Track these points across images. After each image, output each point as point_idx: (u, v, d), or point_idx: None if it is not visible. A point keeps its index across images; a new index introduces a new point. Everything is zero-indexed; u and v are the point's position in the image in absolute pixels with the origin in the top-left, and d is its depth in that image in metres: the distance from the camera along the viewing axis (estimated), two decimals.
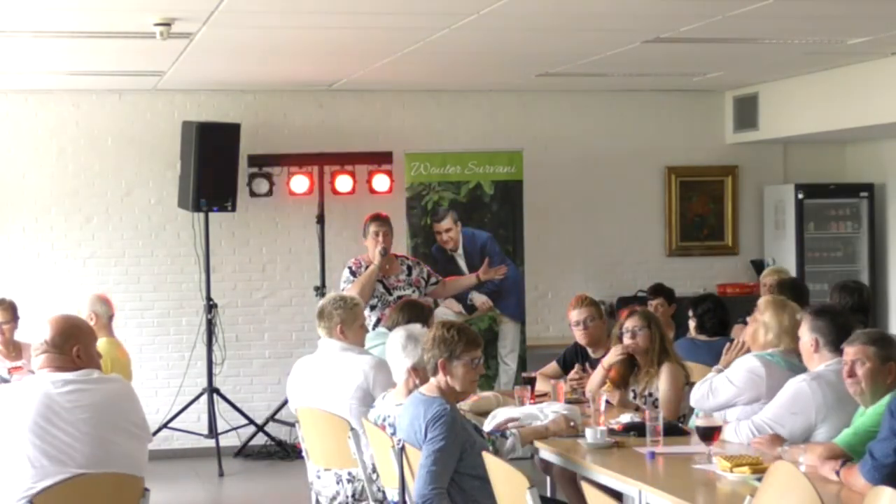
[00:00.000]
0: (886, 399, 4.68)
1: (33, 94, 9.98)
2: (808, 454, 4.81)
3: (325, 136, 10.42)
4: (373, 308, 8.38)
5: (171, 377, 10.22)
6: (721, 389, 5.78)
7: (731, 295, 10.55)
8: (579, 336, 7.19)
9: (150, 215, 10.22)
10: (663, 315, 8.48)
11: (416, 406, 5.20)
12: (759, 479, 4.49)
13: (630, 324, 6.58)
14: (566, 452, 5.53)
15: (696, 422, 5.47)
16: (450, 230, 10.08)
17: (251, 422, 10.03)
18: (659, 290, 9.00)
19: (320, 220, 10.27)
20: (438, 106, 10.67)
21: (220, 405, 9.97)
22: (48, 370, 4.64)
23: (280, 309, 10.45)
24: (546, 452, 5.73)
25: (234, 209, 9.82)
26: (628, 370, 6.65)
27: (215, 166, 9.59)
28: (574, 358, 7.30)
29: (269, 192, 10.14)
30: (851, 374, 4.89)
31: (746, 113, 10.82)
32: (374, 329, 8.03)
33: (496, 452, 5.26)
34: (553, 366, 7.42)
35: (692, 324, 7.80)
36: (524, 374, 7.33)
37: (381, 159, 10.27)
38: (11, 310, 7.80)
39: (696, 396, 5.88)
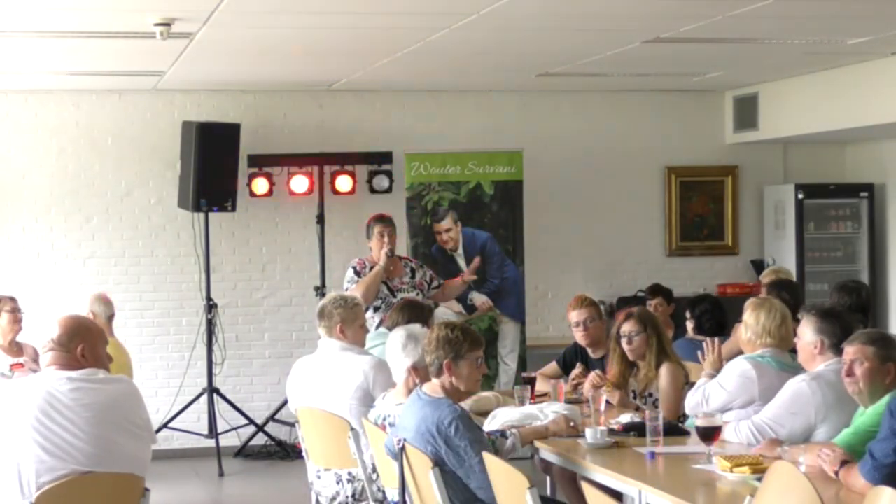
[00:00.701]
0: (886, 399, 4.68)
1: (33, 94, 9.98)
2: (808, 454, 4.81)
3: (325, 136, 10.42)
4: (376, 309, 8.36)
5: (171, 377, 10.22)
6: (714, 396, 5.76)
7: (731, 295, 10.55)
8: (579, 337, 7.19)
9: (150, 215, 10.23)
10: (662, 315, 8.48)
11: (423, 408, 5.19)
12: (759, 479, 4.49)
13: (626, 329, 6.58)
14: (566, 452, 5.53)
15: (695, 422, 5.47)
16: (450, 230, 10.09)
17: (251, 422, 10.03)
18: (657, 290, 9.00)
19: (320, 220, 10.27)
20: (438, 106, 10.67)
21: (220, 405, 9.97)
22: (54, 368, 4.65)
23: (280, 309, 10.45)
24: (546, 452, 5.73)
25: (234, 209, 9.82)
26: (628, 370, 6.65)
27: (215, 166, 9.59)
28: (574, 358, 7.30)
29: (269, 192, 10.14)
30: (850, 373, 4.90)
31: (746, 113, 10.82)
32: (376, 329, 8.04)
33: (496, 452, 5.26)
34: (553, 366, 7.42)
35: (690, 325, 7.81)
36: (524, 374, 7.33)
37: (381, 159, 10.26)
38: (14, 301, 7.82)
39: (691, 405, 5.87)
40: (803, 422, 5.24)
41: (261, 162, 10.10)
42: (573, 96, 10.83)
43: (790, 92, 10.25)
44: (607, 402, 6.26)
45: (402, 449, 5.26)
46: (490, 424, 5.86)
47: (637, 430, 5.67)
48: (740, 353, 6.09)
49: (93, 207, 10.14)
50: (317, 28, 7.40)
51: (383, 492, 5.76)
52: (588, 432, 5.55)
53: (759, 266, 10.87)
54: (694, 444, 5.42)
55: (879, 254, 11.02)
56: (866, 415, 4.85)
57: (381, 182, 10.22)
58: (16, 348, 7.76)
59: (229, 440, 9.99)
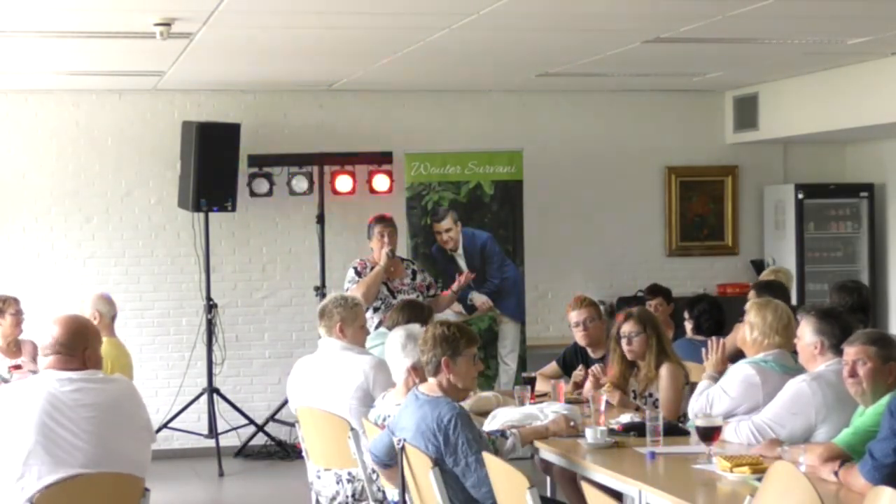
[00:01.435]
0: (886, 399, 4.68)
1: (33, 94, 9.98)
2: (808, 454, 4.81)
3: (325, 136, 10.42)
4: (376, 310, 8.36)
5: (171, 377, 10.22)
6: (718, 402, 5.74)
7: (731, 295, 10.55)
8: (579, 337, 7.20)
9: (150, 215, 10.23)
10: (662, 315, 8.47)
11: (421, 406, 5.19)
12: (759, 479, 4.49)
13: (625, 329, 6.59)
14: (566, 452, 5.53)
15: (696, 422, 5.47)
16: (450, 230, 10.09)
17: (251, 422, 10.03)
18: (657, 290, 9.00)
19: (320, 220, 10.27)
20: (438, 106, 10.67)
21: (220, 405, 9.97)
22: (54, 369, 4.64)
23: (280, 309, 10.45)
24: (546, 452, 5.73)
25: (234, 209, 9.82)
26: (628, 370, 6.65)
27: (215, 166, 9.59)
28: (574, 358, 7.30)
29: (269, 192, 10.14)
30: (853, 374, 4.89)
31: (746, 113, 10.82)
32: (376, 329, 8.04)
33: (496, 452, 5.27)
34: (553, 366, 7.42)
35: (688, 325, 7.80)
36: (524, 374, 7.33)
37: (381, 159, 10.26)
38: (18, 303, 7.82)
39: (695, 411, 5.84)
40: (803, 422, 5.24)
41: (261, 162, 10.10)
42: (573, 96, 10.83)
43: (790, 92, 10.25)
44: (607, 402, 6.26)
45: (403, 449, 5.26)
46: (490, 424, 5.86)
47: (637, 430, 5.66)
48: (739, 352, 6.08)
49: (93, 207, 10.13)
50: (317, 28, 7.40)
51: (383, 492, 5.76)
52: (588, 432, 5.55)
53: (759, 266, 10.87)
54: (694, 444, 5.42)
55: (879, 254, 11.02)
56: (866, 415, 4.85)
57: (381, 182, 10.21)
58: (15, 348, 7.75)
59: (229, 440, 9.99)
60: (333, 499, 6.07)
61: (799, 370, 5.57)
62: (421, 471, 5.17)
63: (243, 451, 10.11)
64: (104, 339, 7.36)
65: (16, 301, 7.78)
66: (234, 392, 10.18)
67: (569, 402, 6.40)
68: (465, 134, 10.60)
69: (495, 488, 4.98)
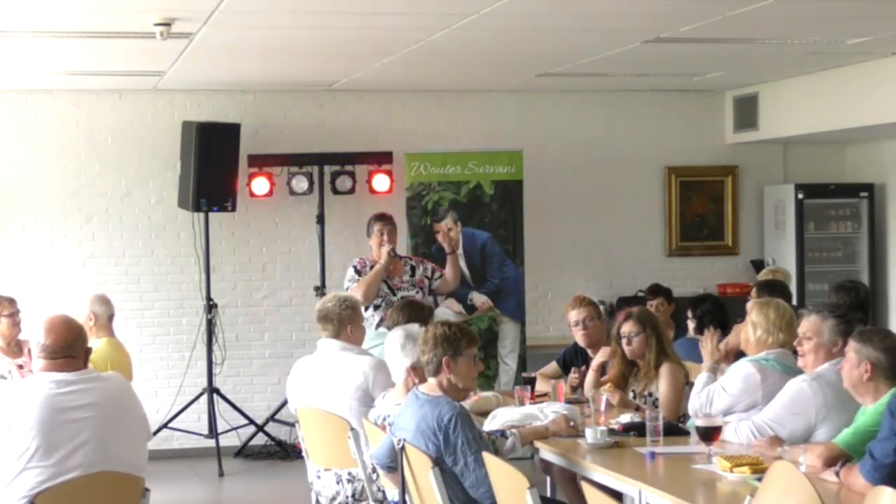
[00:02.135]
0: (886, 399, 4.68)
1: (33, 94, 9.98)
2: (809, 454, 4.81)
3: (325, 136, 10.42)
4: (377, 308, 8.37)
5: (171, 377, 10.22)
6: (718, 399, 5.74)
7: (731, 295, 10.55)
8: (578, 336, 7.19)
9: (150, 215, 10.23)
10: (663, 315, 8.47)
11: (422, 406, 5.19)
12: (759, 479, 4.49)
13: (625, 329, 6.59)
14: (566, 452, 5.53)
15: (695, 422, 5.47)
16: (450, 230, 10.08)
17: (251, 422, 10.03)
18: (658, 290, 8.99)
19: (320, 220, 10.27)
20: (438, 106, 10.67)
21: (220, 405, 9.97)
22: (51, 370, 4.64)
23: (280, 309, 10.45)
24: (546, 452, 5.73)
25: (234, 209, 9.82)
26: (628, 370, 6.65)
27: (215, 166, 9.59)
28: (574, 358, 7.30)
29: (269, 192, 10.14)
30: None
31: (746, 113, 10.82)
32: (376, 329, 8.04)
33: (496, 452, 5.27)
34: (553, 366, 7.42)
35: (691, 324, 7.80)
36: (524, 374, 7.33)
37: (381, 159, 10.26)
38: (14, 304, 7.80)
39: (695, 408, 5.85)
40: (804, 422, 5.23)
41: (261, 162, 10.10)
42: (573, 96, 10.83)
43: (790, 92, 10.25)
44: (607, 401, 6.26)
45: (403, 449, 5.26)
46: (490, 424, 5.86)
47: (637, 430, 5.67)
48: (740, 353, 6.08)
49: (93, 207, 10.13)
50: (317, 28, 7.40)
51: (383, 492, 5.77)
52: (588, 432, 5.55)
53: (759, 266, 10.86)
54: (694, 444, 5.42)
55: (879, 254, 11.02)
56: (866, 415, 4.85)
57: (381, 182, 10.21)
58: (16, 348, 7.74)
59: (229, 440, 9.99)
60: (333, 499, 6.07)
61: (799, 371, 5.57)
62: (421, 471, 5.17)
63: (243, 451, 10.11)
64: (103, 339, 7.41)
65: (11, 302, 7.74)
66: (234, 392, 10.18)
67: (569, 402, 6.40)
68: (465, 134, 10.60)
69: (495, 488, 4.98)
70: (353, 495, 6.01)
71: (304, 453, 6.38)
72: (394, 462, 5.32)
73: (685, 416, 6.25)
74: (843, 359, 5.03)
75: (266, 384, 10.37)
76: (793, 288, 9.42)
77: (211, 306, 9.94)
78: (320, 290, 10.02)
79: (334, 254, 10.31)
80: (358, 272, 8.47)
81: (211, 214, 9.87)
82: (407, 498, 5.32)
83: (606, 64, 8.97)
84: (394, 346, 5.71)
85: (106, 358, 7.25)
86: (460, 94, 10.65)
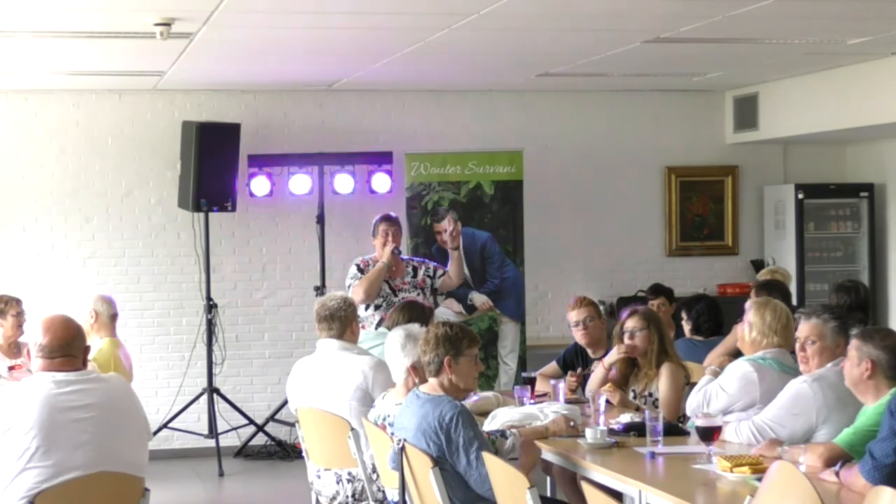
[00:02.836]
0: (886, 399, 4.68)
1: (33, 94, 9.98)
2: (809, 454, 4.81)
3: (325, 136, 10.42)
4: (377, 308, 8.37)
5: (171, 377, 10.22)
6: (715, 399, 5.75)
7: (731, 295, 10.56)
8: (579, 337, 7.19)
9: (150, 215, 10.23)
10: (664, 315, 8.46)
11: (423, 405, 5.19)
12: (759, 479, 4.49)
13: (630, 325, 6.59)
14: (566, 452, 5.52)
15: (695, 422, 5.47)
16: (451, 229, 10.07)
17: (251, 422, 10.03)
18: (660, 290, 8.99)
19: (320, 220, 10.27)
20: (438, 106, 10.67)
21: (220, 405, 9.97)
22: (51, 370, 4.63)
23: (280, 309, 10.45)
24: (546, 452, 5.73)
25: (234, 209, 9.82)
26: (629, 369, 6.66)
27: (215, 166, 9.59)
28: (574, 358, 7.30)
29: (269, 192, 10.14)
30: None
31: (746, 113, 10.82)
32: (376, 329, 8.05)
33: (496, 452, 5.27)
34: (553, 366, 7.41)
35: (687, 326, 7.80)
36: (524, 374, 7.33)
37: (381, 159, 10.26)
38: (20, 304, 7.81)
39: (693, 407, 5.86)
40: (804, 423, 5.23)
41: (261, 162, 10.10)
42: (573, 96, 10.83)
43: (790, 92, 10.25)
44: (607, 401, 6.26)
45: (402, 449, 5.26)
46: (490, 424, 5.86)
47: (637, 430, 5.67)
48: (739, 352, 6.08)
49: (93, 208, 10.14)
50: (317, 28, 7.41)
51: (383, 492, 5.76)
52: (588, 432, 5.55)
53: (759, 266, 10.86)
54: (694, 444, 5.42)
55: (879, 254, 11.02)
56: (866, 415, 4.85)
57: (381, 182, 10.21)
58: (15, 349, 7.75)
59: (229, 440, 9.99)
60: (333, 499, 6.07)
61: (797, 369, 5.57)
62: (421, 471, 5.17)
63: (243, 451, 10.11)
64: (106, 339, 7.42)
65: (18, 302, 7.77)
66: (234, 392, 10.18)
67: (569, 402, 6.40)
68: (465, 134, 10.60)
69: (495, 488, 4.97)
70: (353, 495, 6.01)
71: (304, 453, 6.38)
72: None
73: (685, 417, 6.25)
74: (843, 359, 5.04)
75: (266, 384, 10.37)
76: (793, 288, 9.43)
77: (211, 306, 9.94)
78: (320, 290, 10.01)
79: (334, 254, 10.30)
80: (361, 270, 8.49)
81: (211, 214, 9.87)
82: (407, 498, 5.32)
83: (606, 64, 8.97)
84: (394, 346, 5.71)
85: (108, 357, 7.27)
86: (460, 94, 10.65)
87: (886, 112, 9.13)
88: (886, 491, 4.07)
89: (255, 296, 10.42)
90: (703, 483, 4.82)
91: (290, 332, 10.42)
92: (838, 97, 9.66)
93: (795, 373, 5.58)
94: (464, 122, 10.69)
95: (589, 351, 7.21)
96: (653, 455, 5.29)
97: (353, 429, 5.93)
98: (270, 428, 10.10)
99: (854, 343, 4.91)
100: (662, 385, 6.43)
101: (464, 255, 10.04)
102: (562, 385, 6.61)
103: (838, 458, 4.67)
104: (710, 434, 5.20)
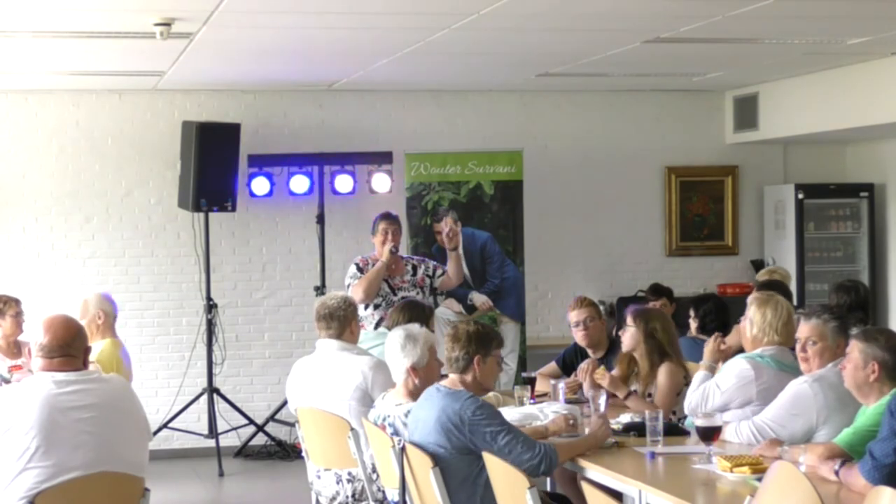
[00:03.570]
0: (886, 399, 4.68)
1: (33, 94, 9.98)
2: (809, 454, 4.81)
3: (325, 136, 10.42)
4: (376, 307, 8.37)
5: (171, 377, 10.22)
6: (712, 396, 5.76)
7: (731, 295, 10.54)
8: (579, 337, 7.19)
9: (150, 215, 10.23)
10: None
11: (442, 399, 5.22)
12: (759, 479, 4.49)
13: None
14: None
15: (695, 422, 5.47)
16: (450, 229, 10.06)
17: (251, 422, 10.03)
18: (660, 291, 8.99)
19: (320, 220, 10.27)
20: (438, 106, 10.67)
21: (220, 405, 9.97)
22: (51, 370, 4.63)
23: (280, 309, 10.45)
24: None
25: (234, 209, 9.82)
26: (629, 369, 6.65)
27: (215, 166, 9.59)
28: (574, 358, 7.30)
29: (269, 192, 10.14)
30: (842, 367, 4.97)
31: (746, 113, 10.82)
32: (376, 329, 8.04)
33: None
34: (553, 366, 7.42)
35: (693, 324, 7.80)
36: (524, 374, 7.33)
37: (381, 159, 10.26)
38: (19, 304, 7.81)
39: (691, 405, 5.86)
40: (804, 423, 5.23)
41: (261, 162, 10.10)
42: (573, 96, 10.83)
43: (790, 92, 10.25)
44: (606, 396, 6.22)
45: (403, 449, 5.26)
46: None
47: (637, 430, 5.67)
48: (741, 349, 6.08)
49: (93, 207, 10.14)
50: (317, 28, 7.40)
51: (383, 492, 5.76)
52: (586, 430, 5.55)
53: (759, 266, 10.85)
54: (694, 444, 5.42)
55: (879, 254, 11.02)
56: (866, 415, 4.85)
57: (381, 182, 10.21)
58: (15, 349, 7.75)
59: (229, 440, 9.99)
60: (333, 499, 6.07)
61: (796, 368, 5.57)
62: (421, 471, 5.17)
63: (243, 451, 10.11)
64: (107, 339, 7.42)
65: (17, 302, 7.77)
66: (234, 392, 10.18)
67: (569, 402, 6.40)
68: (465, 134, 10.60)
69: (495, 488, 4.98)
70: (353, 495, 6.01)
71: (304, 453, 6.38)
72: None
73: (678, 416, 6.25)
74: (843, 359, 5.03)
75: (266, 384, 10.37)
76: (793, 288, 9.42)
77: (211, 306, 9.94)
78: (320, 290, 10.02)
79: (334, 254, 10.31)
80: (360, 270, 8.48)
81: (211, 214, 9.87)
82: (407, 498, 5.32)
83: (606, 64, 8.97)
84: (394, 346, 5.71)
85: (111, 358, 7.27)
86: (460, 94, 10.65)
87: (886, 112, 9.13)
88: (886, 491, 4.07)
89: (255, 296, 10.42)
90: (703, 483, 4.82)
91: (290, 332, 10.42)
92: (838, 97, 9.66)
93: (794, 371, 5.58)
94: (464, 122, 10.69)
95: (589, 351, 7.20)
96: (653, 455, 5.29)
97: (352, 429, 5.93)
98: (270, 428, 10.10)
99: (857, 345, 4.89)
100: (660, 379, 6.44)
101: (464, 255, 10.03)
102: (562, 385, 6.61)
103: (838, 459, 4.66)
104: (710, 434, 5.20)
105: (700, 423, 5.28)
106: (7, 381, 7.21)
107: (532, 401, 6.53)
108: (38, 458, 4.46)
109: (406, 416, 5.49)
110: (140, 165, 10.21)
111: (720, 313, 7.70)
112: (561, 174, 10.82)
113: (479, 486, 5.14)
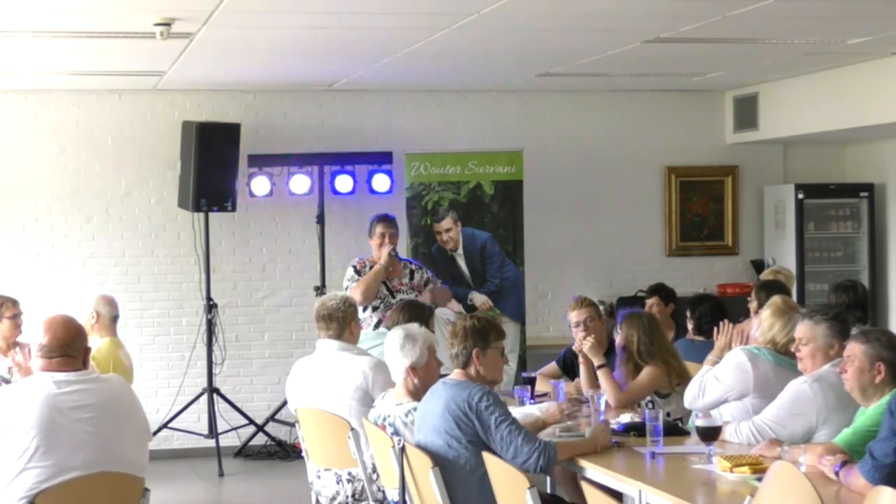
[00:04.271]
0: (886, 399, 4.68)
1: (33, 94, 9.98)
2: (809, 454, 4.81)
3: (325, 136, 10.42)
4: (375, 309, 8.37)
5: (171, 377, 10.22)
6: (710, 388, 5.83)
7: (731, 295, 10.55)
8: (579, 337, 7.18)
9: (150, 215, 10.23)
10: (660, 314, 8.44)
11: (449, 389, 5.25)
12: (759, 479, 4.50)
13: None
14: None
15: (696, 422, 5.47)
16: (450, 230, 10.09)
17: (251, 422, 10.03)
18: (655, 290, 8.98)
19: (320, 220, 10.27)
20: (438, 106, 10.67)
21: (220, 405, 9.97)
22: (51, 370, 4.63)
23: (280, 309, 10.45)
24: None
25: (234, 209, 9.82)
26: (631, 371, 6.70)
27: (215, 166, 9.59)
28: (574, 358, 7.28)
29: (269, 192, 10.14)
30: (843, 370, 4.94)
31: (746, 113, 10.82)
32: (375, 329, 8.04)
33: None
34: (553, 366, 7.42)
35: (690, 325, 7.81)
36: (524, 374, 7.33)
37: (381, 159, 10.26)
38: (17, 305, 7.79)
39: (689, 398, 5.90)
40: (804, 423, 5.24)
41: (261, 162, 10.10)
42: (573, 96, 10.83)
43: (790, 92, 10.25)
44: (607, 402, 6.25)
45: (403, 449, 5.26)
46: None
47: (637, 430, 5.67)
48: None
49: (93, 207, 10.14)
50: (317, 28, 7.40)
51: (383, 492, 5.77)
52: (587, 432, 5.55)
53: (759, 266, 10.87)
54: (694, 444, 5.43)
55: (879, 254, 11.02)
56: (866, 415, 4.85)
57: (381, 182, 10.21)
58: (15, 350, 7.73)
59: (229, 440, 9.99)
60: (333, 499, 6.07)
61: (792, 363, 5.58)
62: (421, 471, 5.17)
63: (243, 451, 10.11)
64: (106, 339, 7.42)
65: (14, 303, 7.73)
66: (234, 392, 10.18)
67: (569, 402, 6.40)
68: (465, 134, 10.60)
69: (495, 488, 4.98)
70: (353, 495, 6.01)
71: (304, 453, 6.38)
72: None
73: (672, 417, 6.25)
74: (841, 360, 5.03)
75: (266, 384, 10.37)
76: (793, 288, 9.42)
77: (211, 306, 9.94)
78: (320, 290, 10.02)
79: (334, 254, 10.31)
80: (357, 272, 8.47)
81: (211, 214, 9.87)
82: (407, 498, 5.32)
83: (606, 64, 8.97)
84: (393, 346, 5.71)
85: (109, 358, 7.26)
86: (460, 94, 10.65)
87: (886, 112, 9.13)
88: (886, 491, 4.07)
89: (255, 296, 10.42)
90: (703, 483, 4.82)
91: (290, 332, 10.42)
92: (838, 97, 9.66)
93: (789, 366, 5.61)
94: (464, 122, 10.69)
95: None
96: (653, 455, 5.29)
97: (353, 429, 5.93)
98: (270, 428, 10.10)
99: (858, 348, 4.87)
100: (637, 378, 6.51)
101: (464, 255, 10.05)
102: (562, 385, 6.62)
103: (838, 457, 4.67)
104: (710, 434, 5.20)
105: (700, 423, 5.29)
106: (7, 382, 7.21)
107: (532, 401, 6.53)
108: (38, 458, 4.46)
109: (406, 415, 5.50)
110: (140, 165, 10.21)
111: (717, 315, 7.70)
112: (561, 174, 10.82)
113: (480, 486, 5.14)
